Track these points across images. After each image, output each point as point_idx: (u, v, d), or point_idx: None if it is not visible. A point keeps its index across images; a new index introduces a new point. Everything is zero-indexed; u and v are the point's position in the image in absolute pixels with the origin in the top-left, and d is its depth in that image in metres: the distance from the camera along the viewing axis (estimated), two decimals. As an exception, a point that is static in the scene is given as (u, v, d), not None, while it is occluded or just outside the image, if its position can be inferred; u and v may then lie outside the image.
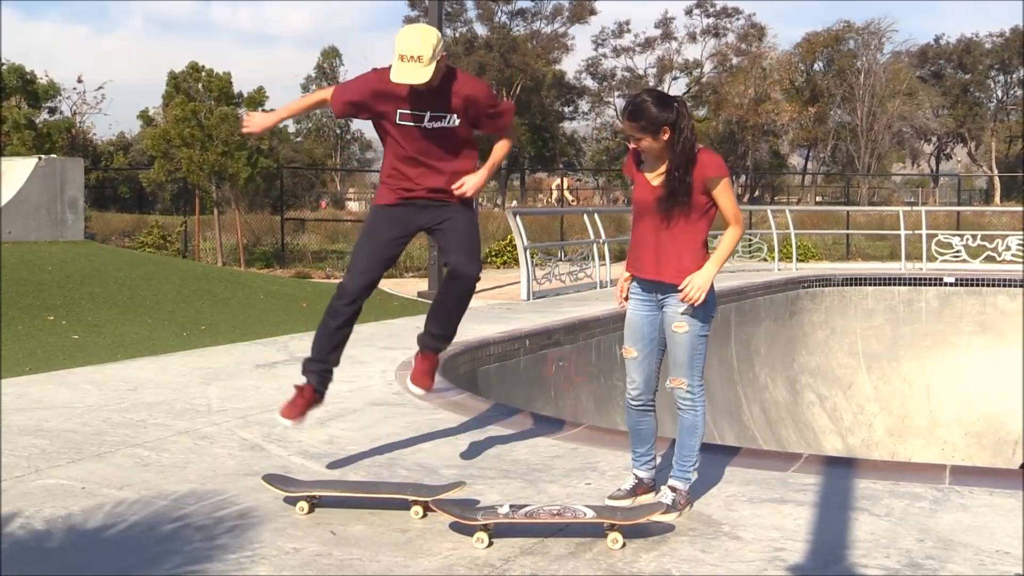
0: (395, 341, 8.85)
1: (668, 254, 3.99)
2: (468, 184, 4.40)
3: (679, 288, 3.97)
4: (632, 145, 4.03)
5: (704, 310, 4.02)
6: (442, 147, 4.40)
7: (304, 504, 4.06)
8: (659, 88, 50.62)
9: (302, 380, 4.56)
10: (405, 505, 4.03)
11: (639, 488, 4.25)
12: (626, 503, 4.14)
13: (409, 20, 56.09)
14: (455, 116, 4.36)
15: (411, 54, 4.14)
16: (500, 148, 4.70)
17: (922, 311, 15.77)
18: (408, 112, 4.34)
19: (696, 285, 3.95)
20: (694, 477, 4.13)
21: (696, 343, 4.02)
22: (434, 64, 4.18)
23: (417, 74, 4.15)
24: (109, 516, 3.99)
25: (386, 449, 5.14)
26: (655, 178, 4.03)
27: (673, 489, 4.07)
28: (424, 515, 3.97)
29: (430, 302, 4.87)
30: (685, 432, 4.08)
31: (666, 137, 3.94)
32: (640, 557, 3.55)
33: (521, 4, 59.55)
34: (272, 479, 4.24)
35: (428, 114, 4.33)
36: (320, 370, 4.54)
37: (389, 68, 4.29)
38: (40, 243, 12.44)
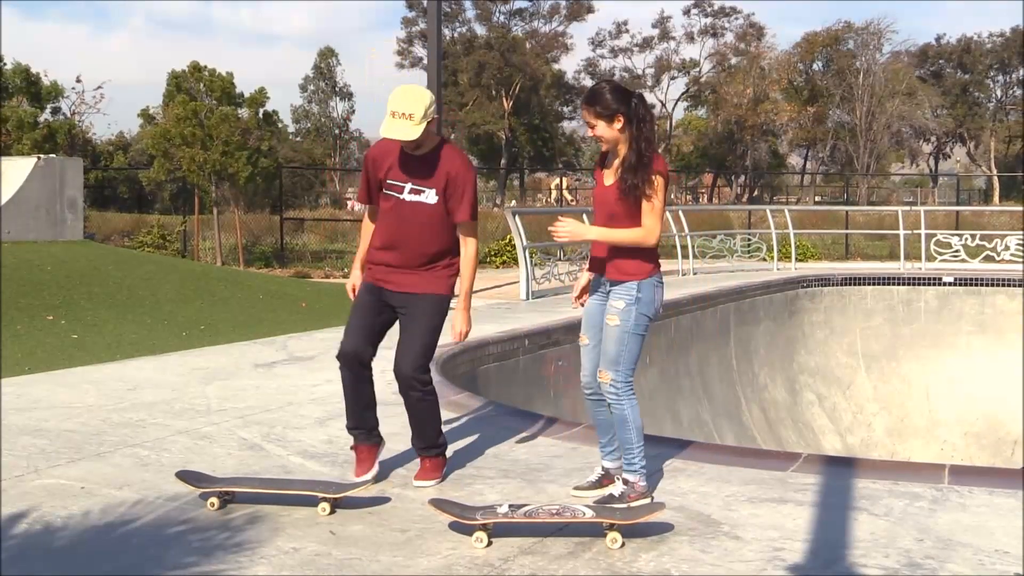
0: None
1: (613, 251, 4.08)
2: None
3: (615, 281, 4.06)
4: (590, 133, 4.10)
5: (638, 308, 4.04)
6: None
7: (215, 500, 4.08)
8: (657, 87, 50.17)
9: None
10: (314, 501, 4.05)
11: (604, 479, 4.29)
12: (591, 494, 4.20)
13: (408, 20, 56.11)
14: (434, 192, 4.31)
15: (403, 111, 4.17)
16: (469, 262, 4.49)
17: (921, 311, 15.76)
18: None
19: (569, 228, 4.03)
20: (640, 465, 4.11)
21: (624, 339, 4.04)
22: (424, 124, 4.20)
23: (406, 131, 4.17)
24: (108, 516, 3.99)
25: (384, 449, 5.12)
26: (610, 176, 4.11)
27: (625, 482, 4.12)
28: (332, 511, 4.01)
29: None
30: (617, 425, 4.13)
31: (619, 126, 4.01)
32: (639, 557, 3.56)
33: (519, 4, 59.46)
34: (184, 475, 4.26)
35: (409, 185, 4.32)
36: (359, 434, 4.59)
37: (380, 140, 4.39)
38: (39, 243, 12.44)
